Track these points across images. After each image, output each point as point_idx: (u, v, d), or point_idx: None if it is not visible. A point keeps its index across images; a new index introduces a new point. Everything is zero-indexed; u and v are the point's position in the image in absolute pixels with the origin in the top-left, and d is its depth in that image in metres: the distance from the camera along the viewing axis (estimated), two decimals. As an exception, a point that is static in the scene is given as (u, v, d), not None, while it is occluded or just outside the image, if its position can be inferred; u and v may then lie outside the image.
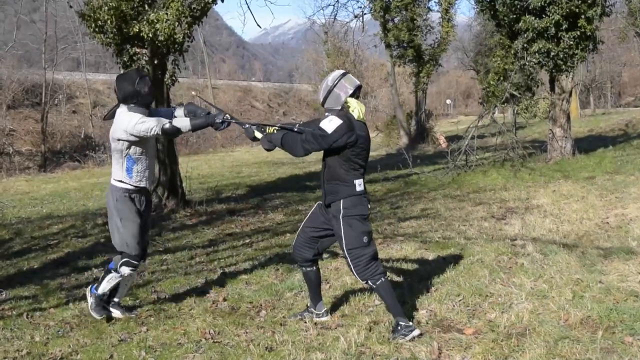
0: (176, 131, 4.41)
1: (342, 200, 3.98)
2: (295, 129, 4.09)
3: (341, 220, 3.98)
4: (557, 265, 5.31)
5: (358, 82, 4.05)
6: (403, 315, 3.99)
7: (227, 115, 4.43)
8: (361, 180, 4.03)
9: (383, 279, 4.00)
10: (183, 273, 6.13)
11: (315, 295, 4.41)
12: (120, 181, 4.51)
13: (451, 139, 20.39)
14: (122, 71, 10.16)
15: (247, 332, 4.23)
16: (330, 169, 4.02)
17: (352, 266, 4.01)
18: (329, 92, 4.01)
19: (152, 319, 4.69)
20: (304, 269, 4.36)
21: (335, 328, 4.19)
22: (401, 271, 5.55)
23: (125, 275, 4.59)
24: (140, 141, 4.42)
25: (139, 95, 4.43)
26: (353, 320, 4.30)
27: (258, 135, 4.15)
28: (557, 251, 5.77)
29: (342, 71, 4.11)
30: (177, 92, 36.63)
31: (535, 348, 3.59)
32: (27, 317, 4.85)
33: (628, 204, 8.07)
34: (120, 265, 4.55)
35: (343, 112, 3.97)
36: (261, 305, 4.86)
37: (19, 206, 12.28)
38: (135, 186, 4.52)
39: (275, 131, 4.15)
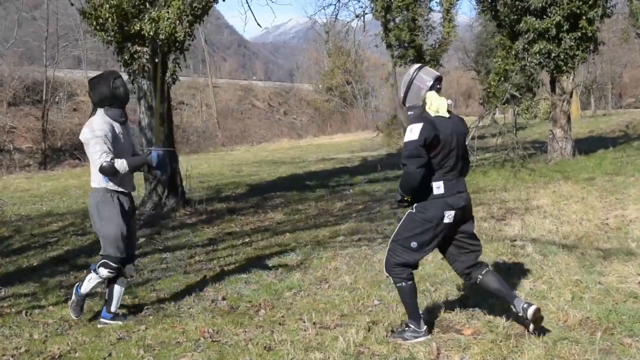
0: (113, 171, 4.28)
1: (417, 204, 3.82)
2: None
3: (406, 213, 3.87)
4: (557, 266, 5.30)
5: (437, 73, 3.86)
6: (416, 319, 3.90)
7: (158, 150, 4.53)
8: (441, 182, 3.75)
9: (404, 284, 3.85)
10: (182, 272, 6.13)
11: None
12: (99, 187, 4.45)
13: (451, 139, 20.37)
14: (123, 69, 10.19)
15: (245, 332, 4.22)
16: None
17: (386, 255, 3.91)
18: (409, 86, 3.85)
19: (151, 317, 4.69)
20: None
21: (334, 328, 4.19)
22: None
23: (103, 277, 4.47)
24: (112, 144, 4.33)
25: (115, 97, 4.41)
26: (352, 320, 4.30)
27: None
28: (557, 252, 5.77)
29: (418, 65, 3.96)
30: (177, 91, 36.66)
31: (534, 349, 3.59)
32: (26, 315, 4.85)
33: (628, 205, 8.06)
34: (99, 267, 4.46)
35: (419, 112, 3.80)
36: (260, 304, 4.86)
37: (18, 203, 12.28)
38: (115, 190, 4.45)
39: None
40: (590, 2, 12.85)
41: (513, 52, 14.01)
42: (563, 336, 3.76)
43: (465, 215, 3.87)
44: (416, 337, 3.86)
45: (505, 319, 4.11)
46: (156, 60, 9.78)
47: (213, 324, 4.38)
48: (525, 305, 3.68)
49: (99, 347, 4.08)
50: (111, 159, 4.27)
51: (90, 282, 4.53)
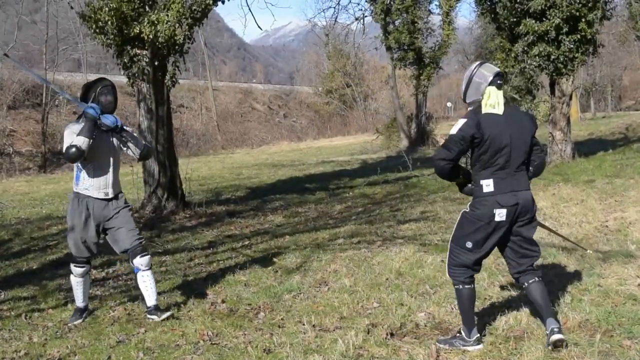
0: (75, 151, 4.34)
1: (470, 202, 3.81)
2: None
3: (461, 213, 3.83)
4: (556, 269, 5.31)
5: (497, 69, 3.82)
6: (469, 326, 3.79)
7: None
8: (491, 180, 3.67)
9: (461, 287, 3.78)
10: (182, 274, 6.14)
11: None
12: (73, 190, 4.63)
13: (451, 141, 20.39)
14: (122, 72, 10.21)
15: (245, 334, 4.22)
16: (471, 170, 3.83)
17: (447, 256, 3.88)
18: (469, 81, 3.83)
19: (151, 320, 4.68)
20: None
21: (333, 330, 4.19)
22: (400, 274, 5.54)
23: (74, 273, 4.72)
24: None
25: (100, 104, 4.52)
26: (351, 323, 4.30)
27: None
28: (556, 254, 5.77)
29: (479, 61, 3.96)
30: (177, 94, 36.68)
31: (534, 351, 3.59)
32: (26, 318, 4.85)
33: (627, 208, 8.07)
34: (71, 264, 4.76)
35: (474, 107, 3.78)
36: (260, 307, 4.86)
37: (18, 207, 12.29)
38: (83, 194, 4.56)
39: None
40: (589, 5, 12.88)
41: (512, 55, 14.04)
42: (562, 338, 3.76)
43: (521, 214, 3.72)
44: (464, 346, 3.78)
45: (504, 321, 4.11)
46: (156, 63, 9.80)
47: (212, 327, 4.38)
48: (555, 329, 3.61)
49: (98, 350, 4.08)
50: (73, 147, 4.36)
51: (73, 285, 4.78)
